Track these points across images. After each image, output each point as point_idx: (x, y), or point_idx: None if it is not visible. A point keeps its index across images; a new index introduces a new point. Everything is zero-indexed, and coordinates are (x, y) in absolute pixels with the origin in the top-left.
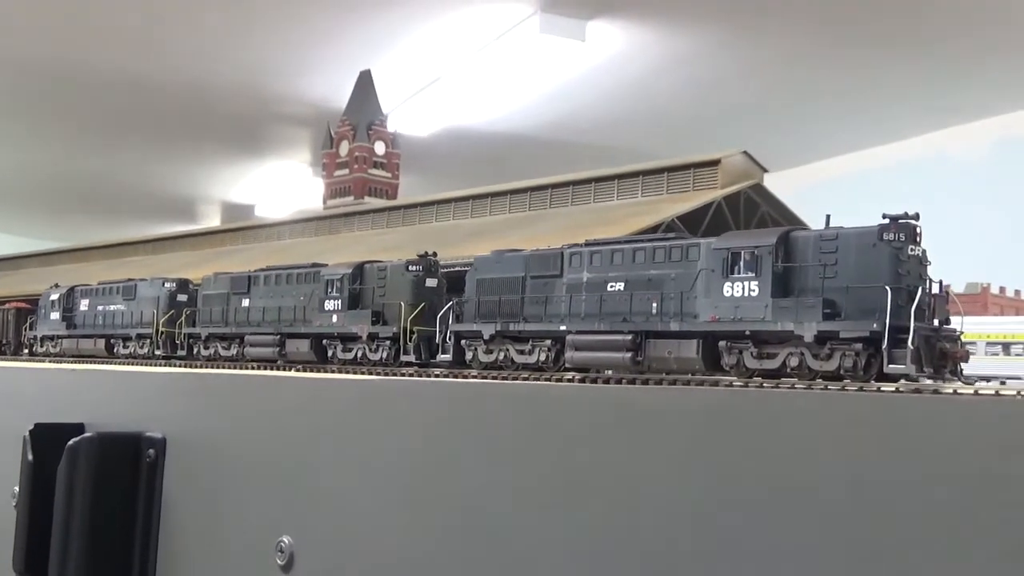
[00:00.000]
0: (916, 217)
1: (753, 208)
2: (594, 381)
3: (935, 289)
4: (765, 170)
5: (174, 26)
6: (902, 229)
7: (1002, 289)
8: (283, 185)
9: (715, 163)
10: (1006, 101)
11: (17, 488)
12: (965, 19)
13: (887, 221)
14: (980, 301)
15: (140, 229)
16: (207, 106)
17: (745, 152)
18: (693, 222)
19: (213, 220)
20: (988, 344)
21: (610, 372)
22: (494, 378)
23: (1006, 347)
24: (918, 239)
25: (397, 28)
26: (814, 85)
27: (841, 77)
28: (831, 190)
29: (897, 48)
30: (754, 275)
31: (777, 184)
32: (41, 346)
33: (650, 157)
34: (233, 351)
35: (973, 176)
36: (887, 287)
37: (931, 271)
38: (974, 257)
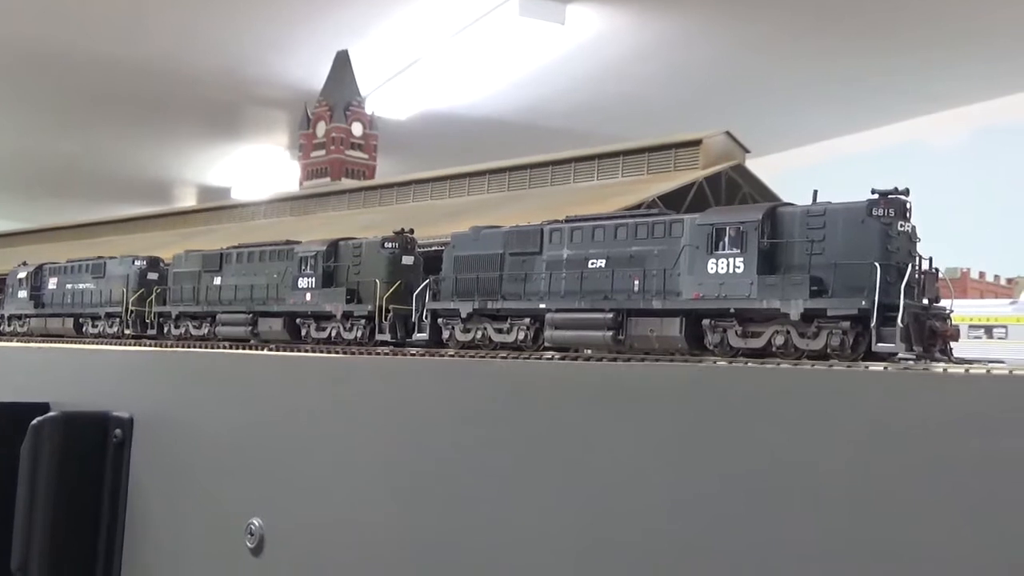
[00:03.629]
0: (906, 192)
1: (735, 189)
2: (573, 359)
3: (925, 266)
4: (747, 151)
5: (149, 6)
6: (892, 204)
7: (981, 274)
8: (259, 168)
9: (696, 143)
10: (986, 89)
11: None
12: (945, 6)
13: (876, 196)
14: (959, 286)
15: (115, 211)
16: (183, 88)
17: (727, 132)
18: (674, 202)
19: (189, 203)
20: (971, 327)
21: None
22: (471, 357)
23: (988, 330)
24: (908, 215)
25: (375, 9)
26: (793, 71)
27: (820, 64)
28: (809, 176)
29: (877, 35)
30: (739, 251)
31: (755, 169)
32: (8, 325)
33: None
34: (204, 330)
35: (953, 163)
36: (876, 264)
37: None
38: (953, 243)
